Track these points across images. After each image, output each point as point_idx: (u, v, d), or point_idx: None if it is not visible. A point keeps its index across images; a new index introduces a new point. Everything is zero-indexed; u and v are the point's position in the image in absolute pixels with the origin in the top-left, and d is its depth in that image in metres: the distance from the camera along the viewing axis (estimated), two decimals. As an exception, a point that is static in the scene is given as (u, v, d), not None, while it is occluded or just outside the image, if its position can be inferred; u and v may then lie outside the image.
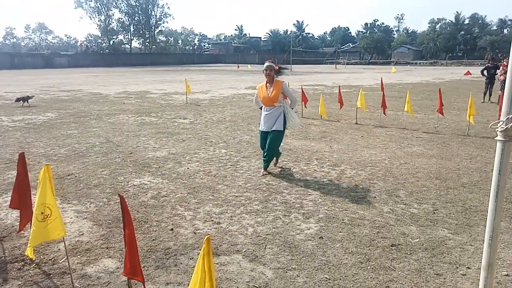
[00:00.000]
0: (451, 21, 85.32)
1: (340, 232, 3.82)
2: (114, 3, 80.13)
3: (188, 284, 2.25)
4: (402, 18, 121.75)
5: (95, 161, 6.45)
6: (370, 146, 7.48)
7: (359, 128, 9.45)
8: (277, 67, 5.58)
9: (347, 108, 11.67)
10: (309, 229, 3.88)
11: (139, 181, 5.39)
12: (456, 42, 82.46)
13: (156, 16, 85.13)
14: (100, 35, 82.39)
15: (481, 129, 9.05)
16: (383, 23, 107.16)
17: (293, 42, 79.06)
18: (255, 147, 7.25)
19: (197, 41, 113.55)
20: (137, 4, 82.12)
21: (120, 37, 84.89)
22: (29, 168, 5.25)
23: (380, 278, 3.02)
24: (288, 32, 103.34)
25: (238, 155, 6.85)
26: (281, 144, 6.04)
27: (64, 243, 2.90)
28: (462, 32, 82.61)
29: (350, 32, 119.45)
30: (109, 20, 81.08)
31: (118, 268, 3.17)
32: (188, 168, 6.01)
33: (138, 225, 3.96)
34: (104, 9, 79.28)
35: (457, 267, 3.18)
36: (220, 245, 3.56)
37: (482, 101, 14.54)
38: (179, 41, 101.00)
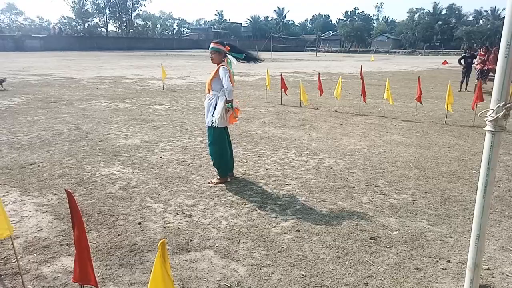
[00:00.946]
0: (429, 11, 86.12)
1: (317, 224, 3.66)
2: (88, -16, 77.31)
3: None
4: (381, 7, 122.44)
5: (62, 149, 6.07)
6: (349, 134, 7.36)
7: (338, 116, 9.32)
8: (227, 48, 4.54)
9: (327, 96, 11.52)
10: (285, 221, 3.70)
11: (108, 171, 5.08)
12: (434, 32, 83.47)
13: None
14: (74, 18, 79.39)
15: (459, 118, 9.08)
16: (363, 12, 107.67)
17: (274, 29, 78.37)
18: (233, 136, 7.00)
19: (176, 26, 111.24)
20: (113, -15, 79.46)
21: (96, 20, 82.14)
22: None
23: (358, 274, 2.88)
24: (269, 19, 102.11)
25: (214, 143, 6.58)
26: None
27: (12, 242, 2.61)
28: (440, 22, 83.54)
29: (330, 20, 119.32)
30: (83, 2, 78.14)
31: (78, 267, 2.90)
32: (161, 157, 5.72)
33: (103, 219, 3.69)
34: (78, -11, 76.40)
35: (437, 261, 3.07)
36: (191, 240, 3.34)
37: (459, 90, 14.66)
38: (157, 26, 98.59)
